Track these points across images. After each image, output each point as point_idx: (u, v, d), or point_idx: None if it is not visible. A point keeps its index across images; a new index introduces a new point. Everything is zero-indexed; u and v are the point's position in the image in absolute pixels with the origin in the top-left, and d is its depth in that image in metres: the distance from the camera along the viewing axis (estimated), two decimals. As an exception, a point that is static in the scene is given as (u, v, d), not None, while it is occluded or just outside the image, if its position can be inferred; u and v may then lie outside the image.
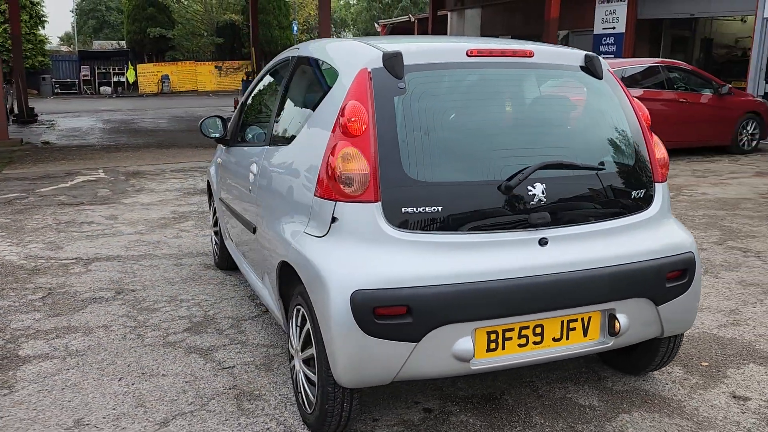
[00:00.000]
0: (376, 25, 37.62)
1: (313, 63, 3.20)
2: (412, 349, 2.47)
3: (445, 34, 25.41)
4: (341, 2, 55.61)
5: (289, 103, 3.40)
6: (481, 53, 2.81)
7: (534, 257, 2.62)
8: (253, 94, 4.34)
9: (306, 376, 2.77)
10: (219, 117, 4.44)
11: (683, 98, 10.97)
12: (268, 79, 4.12)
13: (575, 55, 3.02)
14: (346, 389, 2.60)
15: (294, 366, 2.93)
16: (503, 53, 2.86)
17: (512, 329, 2.61)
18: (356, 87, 2.64)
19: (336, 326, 2.44)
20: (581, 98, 2.97)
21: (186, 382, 3.30)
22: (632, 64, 11.06)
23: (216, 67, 38.77)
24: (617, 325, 2.73)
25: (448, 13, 24.71)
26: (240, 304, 4.38)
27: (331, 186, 2.57)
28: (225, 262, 4.99)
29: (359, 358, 2.47)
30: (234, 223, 4.18)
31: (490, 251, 2.58)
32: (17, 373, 3.41)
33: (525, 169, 2.63)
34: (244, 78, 22.87)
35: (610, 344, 2.79)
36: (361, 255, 2.49)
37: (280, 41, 36.32)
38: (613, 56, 15.88)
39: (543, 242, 2.65)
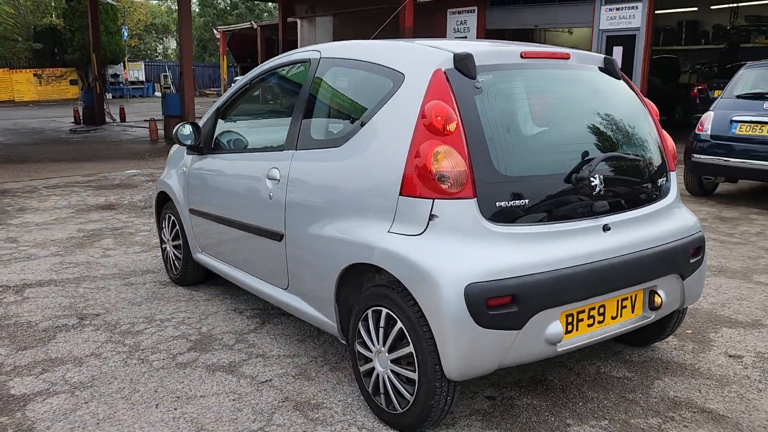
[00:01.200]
0: (215, 31, 36.62)
1: (354, 65, 3.19)
2: (515, 337, 2.59)
3: (296, 41, 25.39)
4: (162, 7, 53.28)
5: (321, 106, 3.35)
6: (533, 55, 3.00)
7: (601, 243, 2.85)
8: (239, 101, 4.18)
9: (398, 375, 2.77)
10: (192, 123, 4.23)
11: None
12: (266, 84, 4.00)
13: (597, 58, 3.30)
14: (452, 383, 2.65)
15: (373, 368, 2.90)
16: (550, 55, 3.08)
17: (584, 311, 2.82)
18: (436, 87, 2.71)
19: (450, 320, 2.50)
20: (610, 95, 3.26)
21: (233, 400, 3.14)
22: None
23: (35, 75, 35.53)
24: (658, 299, 3.04)
25: (298, 21, 24.72)
26: (230, 318, 4.19)
27: (427, 185, 2.62)
28: (190, 278, 4.73)
29: (471, 350, 2.54)
30: (229, 234, 4.00)
31: (569, 239, 2.77)
32: (27, 414, 3.04)
33: (591, 160, 2.86)
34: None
35: (651, 318, 3.10)
36: (466, 249, 2.57)
37: (108, 47, 34.08)
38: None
39: (606, 228, 2.90)
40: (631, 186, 3.08)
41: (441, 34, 18.67)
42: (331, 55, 3.37)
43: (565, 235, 2.77)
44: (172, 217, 4.78)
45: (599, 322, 2.90)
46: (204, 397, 3.17)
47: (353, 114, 3.16)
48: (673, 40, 20.59)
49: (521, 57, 2.98)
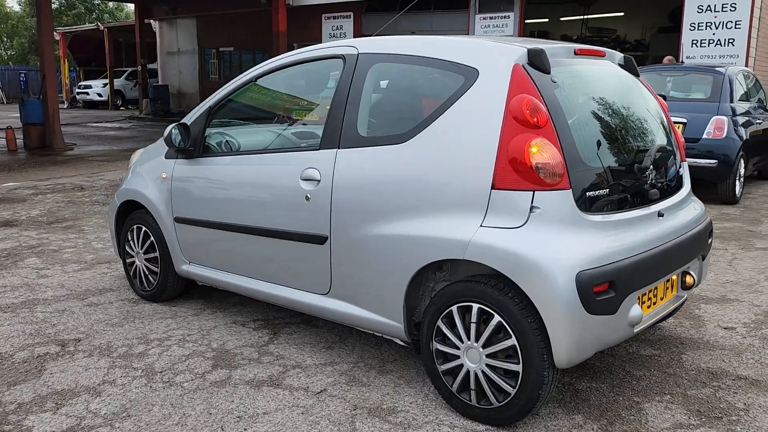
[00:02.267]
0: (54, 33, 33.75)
1: (409, 60, 3.13)
2: (610, 322, 2.70)
3: (155, 43, 24.15)
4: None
5: (368, 103, 3.25)
6: (583, 52, 3.15)
7: (659, 228, 3.05)
8: (237, 100, 3.94)
9: (495, 369, 2.76)
10: (182, 124, 3.94)
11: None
12: (276, 82, 3.80)
13: (619, 56, 3.51)
14: (556, 371, 2.70)
15: (459, 366, 2.87)
16: (594, 53, 3.24)
17: (646, 294, 3.00)
18: (519, 82, 2.75)
19: (564, 308, 2.56)
20: (637, 91, 3.47)
21: (301, 413, 2.96)
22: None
23: None
24: (690, 279, 3.30)
25: (157, 23, 23.51)
26: (236, 332, 3.94)
27: (525, 177, 2.65)
28: (168, 293, 4.38)
29: (580, 337, 2.61)
30: (238, 242, 3.75)
31: (639, 225, 2.94)
32: (73, 453, 2.67)
33: (647, 150, 3.06)
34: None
35: (683, 297, 3.35)
36: (568, 238, 2.64)
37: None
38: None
39: (660, 215, 3.10)
40: (668, 175, 3.32)
41: (316, 39, 18.65)
42: (371, 50, 3.29)
43: (636, 221, 2.93)
44: (144, 229, 4.39)
45: (654, 304, 3.09)
46: (268, 414, 2.96)
47: (414, 110, 3.11)
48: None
49: (575, 54, 3.11)
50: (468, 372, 2.84)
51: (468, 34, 16.03)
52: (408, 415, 2.94)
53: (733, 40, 12.41)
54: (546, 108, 2.71)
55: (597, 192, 2.79)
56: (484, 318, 2.76)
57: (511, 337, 2.68)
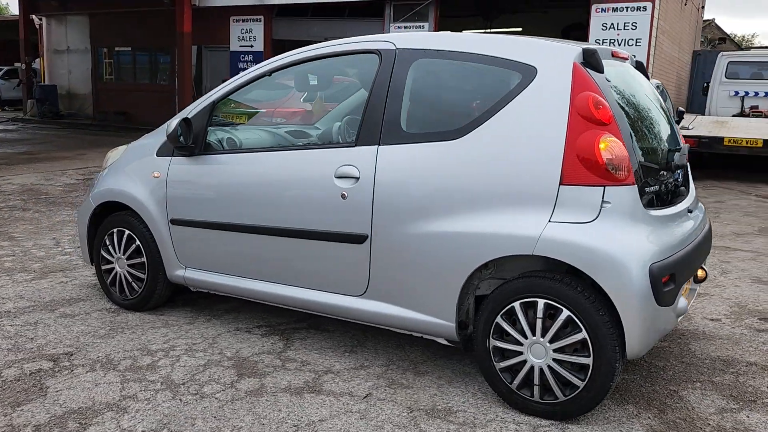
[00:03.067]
0: None
1: (459, 57, 3.09)
2: (668, 312, 2.81)
3: (38, 41, 22.49)
4: None
5: (412, 99, 3.17)
6: (617, 55, 3.26)
7: (691, 223, 3.21)
8: (246, 95, 3.74)
9: (562, 363, 2.77)
10: (186, 120, 3.70)
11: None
12: (293, 77, 3.64)
13: (632, 59, 3.67)
14: (623, 362, 2.76)
15: (521, 362, 2.86)
16: (624, 56, 3.36)
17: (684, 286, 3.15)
18: (581, 80, 2.81)
19: (639, 300, 2.63)
20: (652, 92, 3.63)
21: (360, 418, 2.85)
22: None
23: None
24: (702, 273, 3.49)
25: (43, 18, 21.90)
26: (244, 339, 3.72)
27: (596, 173, 2.70)
28: (156, 300, 4.08)
29: (650, 327, 2.70)
30: (255, 243, 3.55)
31: (680, 220, 3.08)
32: (127, 476, 2.42)
33: (678, 149, 3.22)
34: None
35: (696, 290, 3.54)
36: (638, 233, 2.72)
37: None
38: (253, 73, 16.54)
39: (690, 211, 3.26)
40: (686, 173, 3.49)
41: (224, 41, 18.12)
42: (411, 46, 3.23)
43: (677, 217, 3.07)
44: (127, 232, 4.06)
45: (682, 296, 3.24)
46: (325, 421, 2.82)
47: (466, 107, 3.08)
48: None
49: (611, 56, 3.22)
50: (532, 368, 2.84)
51: (383, 43, 16.15)
52: (467, 414, 2.90)
53: (635, 56, 13.29)
54: (609, 106, 2.78)
55: (650, 188, 2.90)
56: (550, 313, 2.78)
57: (581, 330, 2.71)
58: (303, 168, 3.39)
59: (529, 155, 2.83)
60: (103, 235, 4.21)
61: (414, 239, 3.04)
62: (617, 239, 2.68)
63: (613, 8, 13.35)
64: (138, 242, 4.03)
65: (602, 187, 2.71)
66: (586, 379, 2.74)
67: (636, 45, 13.24)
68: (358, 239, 3.20)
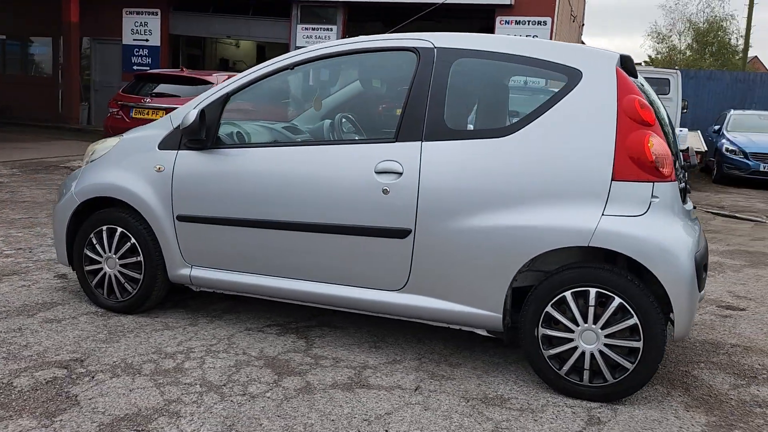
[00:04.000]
0: None
1: (503, 58, 3.20)
2: (700, 299, 3.09)
3: None
4: None
5: (455, 97, 3.23)
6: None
7: (695, 218, 3.53)
8: (263, 89, 3.65)
9: (613, 348, 2.95)
10: (203, 111, 3.56)
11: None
12: (329, 72, 3.58)
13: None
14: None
15: (572, 349, 3.01)
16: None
17: None
18: (624, 83, 3.02)
19: (688, 287, 2.87)
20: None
21: (424, 409, 2.88)
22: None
23: None
24: None
25: None
26: (262, 339, 3.62)
27: (645, 170, 2.92)
28: (151, 302, 3.87)
29: (693, 310, 2.95)
30: (281, 239, 3.47)
31: (692, 215, 3.38)
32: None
33: (687, 149, 3.53)
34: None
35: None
36: (680, 225, 2.97)
37: None
38: (148, 68, 15.86)
39: (694, 207, 3.58)
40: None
41: (116, 33, 17.17)
42: (451, 45, 3.30)
43: (691, 213, 3.36)
44: (120, 230, 3.82)
45: None
46: (392, 414, 2.83)
47: (512, 105, 3.20)
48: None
49: None
50: (582, 353, 3.00)
51: (289, 44, 16.01)
52: (520, 401, 3.02)
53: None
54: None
55: (680, 185, 3.16)
56: (603, 301, 2.95)
57: (632, 316, 2.91)
58: (338, 163, 3.36)
59: (580, 153, 2.99)
60: (87, 233, 3.92)
61: (463, 233, 3.12)
62: (667, 231, 2.90)
63: (516, 21, 14.09)
64: (133, 240, 3.80)
65: (651, 183, 2.93)
66: (636, 362, 2.93)
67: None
68: (401, 234, 3.22)
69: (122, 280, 3.87)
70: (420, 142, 3.22)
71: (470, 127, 3.23)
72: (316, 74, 3.92)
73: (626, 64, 3.12)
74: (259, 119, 4.20)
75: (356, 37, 3.56)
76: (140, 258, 3.81)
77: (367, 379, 3.17)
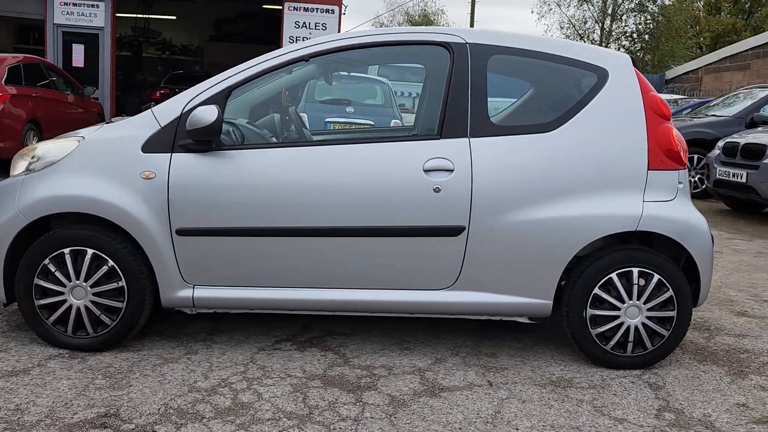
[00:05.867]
0: None
1: (536, 56, 3.29)
2: None
3: None
4: None
5: (495, 93, 3.26)
6: None
7: None
8: (269, 83, 3.28)
9: (653, 319, 3.29)
10: (218, 106, 3.13)
11: (58, 97, 10.77)
12: (350, 65, 3.31)
13: None
14: None
15: (618, 325, 3.28)
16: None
17: None
18: (643, 82, 3.38)
19: (711, 260, 3.34)
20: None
21: (522, 401, 2.93)
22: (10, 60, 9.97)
23: None
24: None
25: None
26: (287, 357, 3.31)
27: (673, 159, 3.30)
28: (132, 334, 3.30)
29: (710, 281, 3.42)
30: (306, 248, 3.19)
31: None
32: None
33: None
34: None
35: None
36: (693, 206, 3.41)
37: None
38: None
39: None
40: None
41: None
42: (484, 42, 3.31)
43: None
44: (91, 252, 3.16)
45: None
46: (500, 412, 2.84)
47: (553, 101, 3.33)
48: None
49: None
50: (628, 328, 3.30)
51: (44, 15, 13.94)
52: (582, 379, 3.22)
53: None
54: (661, 104, 3.40)
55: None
56: (644, 278, 3.28)
57: (668, 289, 3.28)
58: (380, 163, 3.19)
59: (618, 146, 3.26)
60: (39, 259, 3.17)
61: (516, 227, 3.20)
62: (692, 212, 3.33)
63: (304, 8, 14.10)
64: (111, 263, 3.18)
65: (677, 171, 3.32)
66: (671, 329, 3.33)
67: (327, 44, 14.24)
68: (454, 231, 3.20)
69: (96, 311, 3.21)
70: (467, 139, 3.21)
71: (515, 123, 3.30)
72: (332, 68, 3.63)
73: (636, 64, 3.46)
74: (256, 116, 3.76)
75: (380, 29, 3.40)
76: (122, 283, 3.19)
77: (437, 382, 3.11)
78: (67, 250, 3.17)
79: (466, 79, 3.26)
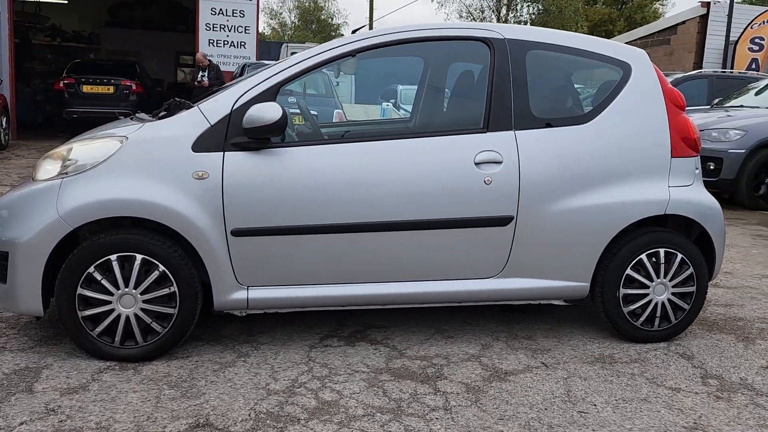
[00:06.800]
0: None
1: (569, 51, 3.45)
2: None
3: None
4: None
5: (535, 87, 3.37)
6: None
7: None
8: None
9: (677, 295, 3.57)
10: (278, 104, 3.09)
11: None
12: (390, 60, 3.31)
13: None
14: None
15: (647, 302, 3.53)
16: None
17: None
18: (661, 75, 3.64)
19: (724, 237, 3.67)
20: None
21: (605, 380, 3.11)
22: None
23: None
24: None
25: None
26: (342, 353, 3.32)
27: (690, 147, 3.58)
28: (182, 340, 3.21)
29: (722, 257, 3.76)
30: (362, 244, 3.21)
31: None
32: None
33: None
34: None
35: None
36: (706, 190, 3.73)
37: None
38: None
39: None
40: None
41: None
42: (521, 37, 3.43)
43: None
44: (140, 258, 3.03)
45: None
46: (589, 394, 3.00)
47: (584, 94, 3.50)
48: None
49: None
50: (656, 304, 3.56)
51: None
52: (622, 354, 3.44)
53: (245, 43, 13.98)
54: (674, 96, 3.68)
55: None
56: (670, 258, 3.55)
57: (689, 267, 3.57)
58: (432, 157, 3.26)
59: (645, 136, 3.50)
60: (83, 268, 3.00)
61: (559, 215, 3.37)
62: (706, 195, 3.63)
63: (222, -6, 13.67)
64: (162, 268, 3.05)
65: (694, 158, 3.61)
66: (691, 303, 3.62)
67: (245, 32, 13.90)
68: (503, 221, 3.32)
69: (147, 319, 3.08)
70: (513, 131, 3.34)
71: (553, 115, 3.44)
72: (368, 63, 3.61)
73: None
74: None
75: (419, 24, 3.43)
76: (173, 288, 3.08)
77: (497, 367, 3.23)
78: (114, 257, 3.01)
79: (508, 73, 3.38)
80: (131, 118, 3.65)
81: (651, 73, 3.58)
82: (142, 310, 3.07)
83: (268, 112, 2.98)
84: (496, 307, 4.06)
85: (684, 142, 3.56)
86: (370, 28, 33.42)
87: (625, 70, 3.56)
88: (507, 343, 3.54)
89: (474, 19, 34.38)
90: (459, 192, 3.26)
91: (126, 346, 3.10)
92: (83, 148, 3.12)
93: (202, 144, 3.07)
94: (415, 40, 3.42)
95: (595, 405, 2.88)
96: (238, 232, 3.10)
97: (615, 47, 3.63)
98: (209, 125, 3.10)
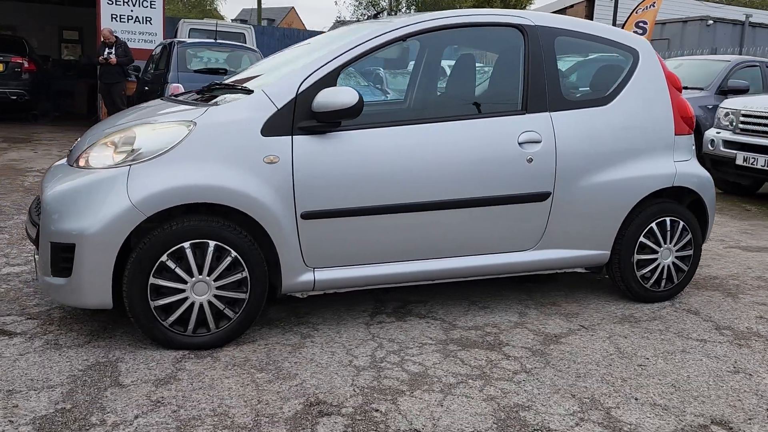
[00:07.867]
0: None
1: (589, 38, 3.73)
2: None
3: None
4: None
5: (563, 70, 3.63)
6: None
7: None
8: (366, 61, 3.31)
9: (680, 259, 4.00)
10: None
11: None
12: (436, 44, 3.43)
13: None
14: None
15: (659, 265, 3.92)
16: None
17: None
18: (661, 60, 4.02)
19: (715, 206, 4.13)
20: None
21: (645, 335, 3.44)
22: None
23: None
24: None
25: None
26: (401, 327, 3.46)
27: (688, 125, 4.00)
28: (248, 325, 3.23)
29: (709, 225, 4.23)
30: (422, 221, 3.36)
31: None
32: None
33: None
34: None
35: None
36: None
37: None
38: None
39: None
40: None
41: None
42: (548, 24, 3.66)
43: None
44: (213, 244, 3.01)
45: None
46: (641, 346, 3.32)
47: (604, 78, 3.80)
48: None
49: None
50: (663, 267, 3.97)
51: None
52: (641, 314, 3.80)
53: (150, 18, 13.31)
54: (670, 80, 4.08)
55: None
56: (673, 226, 3.96)
57: (689, 233, 4.00)
58: (482, 138, 3.44)
59: (654, 115, 3.86)
60: (156, 257, 2.93)
61: (588, 189, 3.67)
62: (701, 168, 4.07)
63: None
64: (234, 254, 3.05)
65: (691, 135, 4.03)
66: (689, 265, 4.06)
67: (151, 6, 13.24)
68: (542, 197, 3.57)
69: (220, 305, 3.06)
70: (548, 113, 3.59)
71: (579, 97, 3.71)
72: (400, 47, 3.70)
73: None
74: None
75: (454, 11, 3.58)
76: (245, 273, 3.08)
77: (546, 332, 3.49)
78: (187, 244, 2.96)
79: (541, 57, 3.61)
80: (162, 99, 3.54)
81: (654, 59, 3.95)
82: (216, 296, 3.04)
83: (343, 96, 3.02)
84: (509, 278, 4.32)
85: (684, 121, 3.97)
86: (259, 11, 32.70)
87: (635, 55, 3.91)
88: (539, 310, 3.82)
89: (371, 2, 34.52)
90: (506, 170, 3.47)
91: (198, 334, 3.06)
92: (148, 135, 3.01)
93: (271, 128, 3.07)
94: (455, 26, 3.57)
95: (647, 358, 3.21)
96: (307, 215, 3.13)
97: (625, 34, 3.97)
98: (276, 109, 3.09)
